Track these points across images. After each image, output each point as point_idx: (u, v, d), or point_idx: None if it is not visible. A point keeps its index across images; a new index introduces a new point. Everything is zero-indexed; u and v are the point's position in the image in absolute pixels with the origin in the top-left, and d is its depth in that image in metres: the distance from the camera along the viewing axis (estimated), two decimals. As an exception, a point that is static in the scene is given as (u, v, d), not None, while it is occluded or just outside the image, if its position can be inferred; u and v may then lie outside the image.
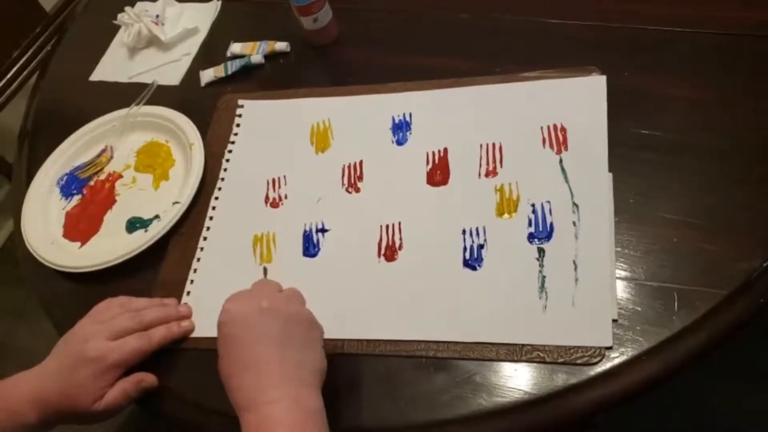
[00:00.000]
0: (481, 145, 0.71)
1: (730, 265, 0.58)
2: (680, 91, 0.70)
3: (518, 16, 0.81)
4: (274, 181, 0.75)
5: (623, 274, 0.60)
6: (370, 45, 0.86)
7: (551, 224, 0.63)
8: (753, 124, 0.66)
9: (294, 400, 0.50)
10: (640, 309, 0.58)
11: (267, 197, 0.74)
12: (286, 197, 0.74)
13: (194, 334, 0.67)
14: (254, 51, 0.88)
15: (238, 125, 0.81)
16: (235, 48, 0.89)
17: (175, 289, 0.70)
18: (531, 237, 0.63)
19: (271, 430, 0.49)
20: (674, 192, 0.63)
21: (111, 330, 0.62)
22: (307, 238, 0.70)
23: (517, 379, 0.57)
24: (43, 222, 0.79)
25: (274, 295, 0.56)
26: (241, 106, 0.83)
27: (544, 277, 0.61)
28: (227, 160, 0.79)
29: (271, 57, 0.88)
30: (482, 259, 0.63)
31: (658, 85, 0.71)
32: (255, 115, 0.82)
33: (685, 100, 0.69)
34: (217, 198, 0.76)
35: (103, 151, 0.85)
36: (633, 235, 0.62)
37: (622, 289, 0.59)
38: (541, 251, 0.62)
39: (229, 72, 0.87)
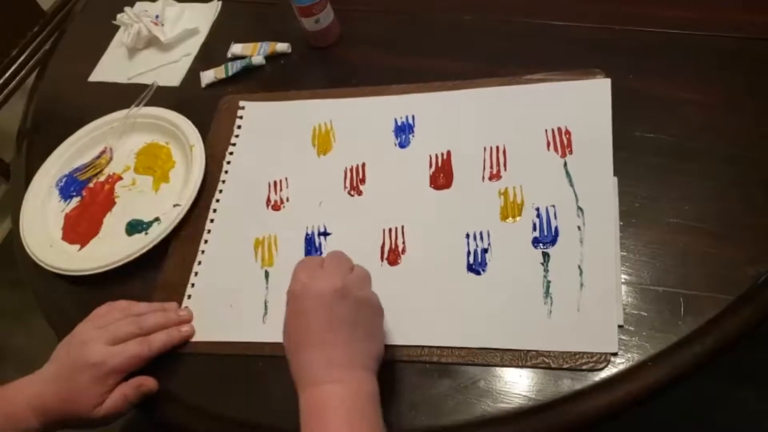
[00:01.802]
0: (484, 148, 0.70)
1: (736, 270, 0.58)
2: (685, 94, 0.69)
3: (522, 18, 0.81)
4: (275, 183, 0.75)
5: (629, 278, 0.59)
6: (371, 46, 0.85)
7: (556, 228, 0.63)
8: (759, 128, 0.65)
9: (357, 383, 0.52)
10: (646, 314, 0.57)
11: (268, 200, 0.74)
12: (287, 200, 0.73)
13: (195, 339, 0.66)
14: (255, 52, 0.87)
15: (239, 127, 0.81)
16: (236, 49, 0.88)
17: (176, 292, 0.69)
18: (536, 241, 0.63)
19: (332, 407, 0.50)
20: (680, 196, 0.63)
21: (111, 335, 0.61)
22: (309, 241, 0.69)
23: (522, 385, 0.57)
24: (41, 224, 0.78)
25: (348, 276, 0.56)
26: (242, 108, 0.82)
27: (548, 282, 0.60)
28: (228, 162, 0.78)
29: (272, 58, 0.87)
30: (486, 264, 0.63)
31: (663, 88, 0.70)
32: (256, 117, 0.81)
33: (690, 103, 0.69)
34: (218, 200, 0.75)
35: (103, 152, 0.84)
36: (639, 239, 0.61)
37: (627, 294, 0.59)
38: (545, 256, 0.62)
39: (230, 73, 0.86)
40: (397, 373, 0.60)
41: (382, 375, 0.59)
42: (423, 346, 0.60)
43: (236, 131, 0.80)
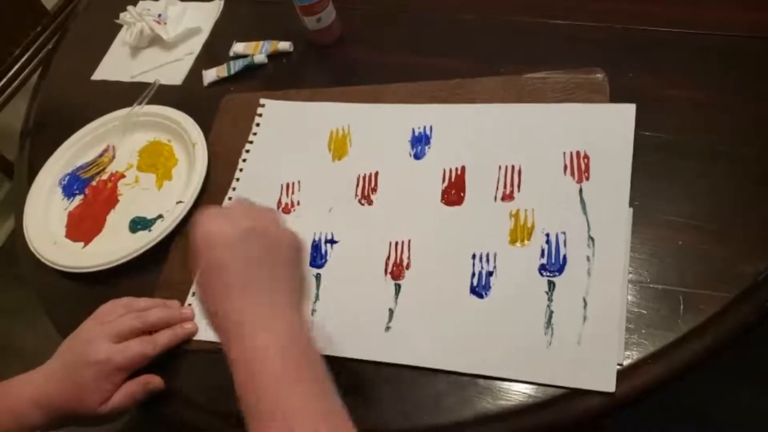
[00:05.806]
0: (500, 167, 0.68)
1: (735, 268, 0.58)
2: (684, 92, 0.70)
3: (522, 16, 0.81)
4: (288, 186, 0.74)
5: (629, 276, 0.59)
6: (373, 45, 0.86)
7: (564, 257, 0.61)
8: (757, 126, 0.66)
9: (288, 328, 0.49)
10: (645, 312, 0.57)
11: (279, 202, 0.73)
12: (298, 203, 0.73)
13: (198, 337, 0.66)
14: (257, 51, 0.87)
15: (257, 125, 0.80)
16: (238, 47, 0.89)
17: (179, 289, 0.70)
18: (542, 268, 0.61)
19: (264, 359, 0.47)
20: (679, 194, 0.63)
21: (115, 332, 0.61)
22: (315, 247, 0.68)
23: (522, 382, 0.57)
24: (45, 222, 0.79)
25: (253, 214, 0.53)
26: (263, 106, 0.81)
27: (551, 311, 0.58)
28: (244, 161, 0.77)
29: (274, 57, 0.87)
30: (490, 287, 0.61)
31: (661, 87, 0.70)
32: (275, 116, 0.80)
33: (688, 101, 0.69)
34: (230, 198, 0.75)
35: (105, 150, 0.85)
36: (638, 237, 0.61)
37: (627, 292, 0.59)
38: (551, 284, 0.60)
39: (232, 72, 0.86)
40: (397, 372, 0.60)
41: (381, 373, 0.60)
42: None
43: (254, 129, 0.79)
